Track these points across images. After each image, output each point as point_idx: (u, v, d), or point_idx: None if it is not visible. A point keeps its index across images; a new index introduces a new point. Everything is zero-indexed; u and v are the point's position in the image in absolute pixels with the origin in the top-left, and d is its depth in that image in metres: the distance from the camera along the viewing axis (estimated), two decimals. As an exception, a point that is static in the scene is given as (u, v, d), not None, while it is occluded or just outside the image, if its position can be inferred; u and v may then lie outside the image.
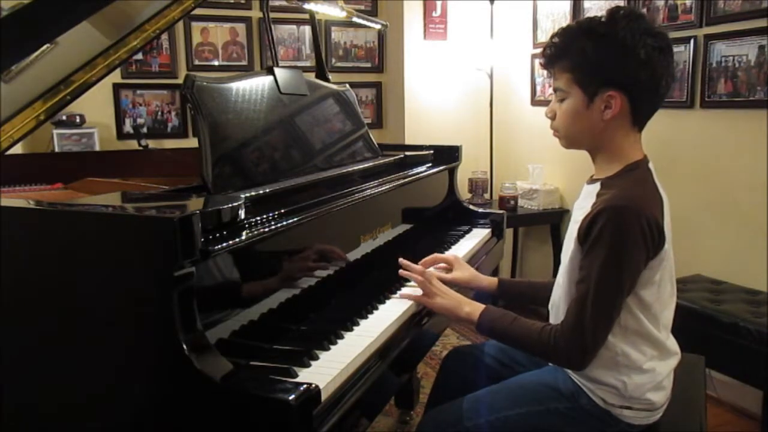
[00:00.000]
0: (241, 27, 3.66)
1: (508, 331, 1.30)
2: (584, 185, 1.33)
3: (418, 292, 1.43)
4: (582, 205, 1.28)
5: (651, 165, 1.28)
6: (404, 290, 1.47)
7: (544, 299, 1.43)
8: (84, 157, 2.77)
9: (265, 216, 1.19)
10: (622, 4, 2.88)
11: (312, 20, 2.21)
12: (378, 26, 2.66)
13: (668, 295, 1.27)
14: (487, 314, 1.33)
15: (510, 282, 1.66)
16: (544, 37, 3.42)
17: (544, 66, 1.31)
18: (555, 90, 1.30)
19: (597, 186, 1.27)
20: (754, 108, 2.37)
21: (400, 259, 1.49)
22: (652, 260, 1.19)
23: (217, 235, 1.05)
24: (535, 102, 3.58)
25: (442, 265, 1.64)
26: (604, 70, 1.21)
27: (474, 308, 1.35)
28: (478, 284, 1.60)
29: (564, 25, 1.31)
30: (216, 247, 1.02)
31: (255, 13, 3.69)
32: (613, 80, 1.21)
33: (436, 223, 2.15)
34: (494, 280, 1.61)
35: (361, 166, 1.78)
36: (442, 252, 1.84)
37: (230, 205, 1.08)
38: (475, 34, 3.74)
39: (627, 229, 1.15)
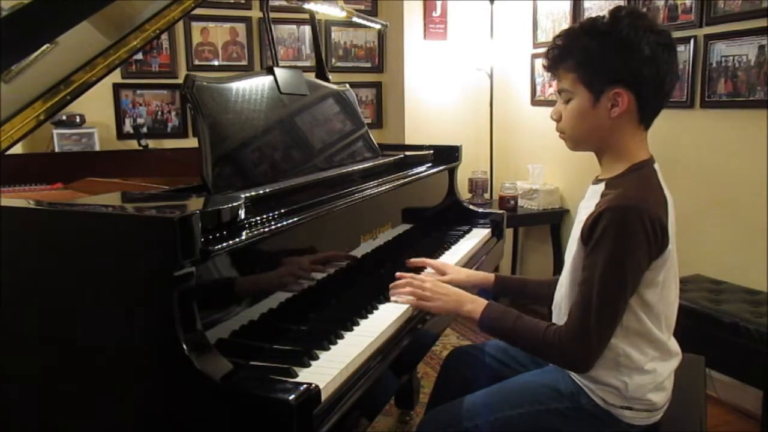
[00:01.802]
0: (241, 27, 3.66)
1: (511, 331, 1.29)
2: (590, 185, 1.33)
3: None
4: (587, 205, 1.27)
5: (656, 165, 1.28)
6: (402, 296, 1.42)
7: (540, 296, 1.43)
8: (84, 157, 2.77)
9: (265, 216, 1.19)
10: (622, 3, 2.88)
11: (312, 20, 2.21)
12: (378, 26, 2.66)
13: (673, 296, 1.27)
14: (489, 312, 1.32)
15: (506, 279, 1.65)
16: (544, 37, 3.42)
17: (548, 68, 1.30)
18: (559, 91, 1.29)
19: (602, 186, 1.26)
20: (754, 108, 2.37)
21: (397, 274, 1.47)
22: (655, 261, 1.19)
23: (217, 235, 1.05)
24: (535, 102, 3.58)
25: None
26: (610, 68, 1.21)
27: (476, 305, 1.34)
28: (473, 283, 1.59)
29: (564, 25, 1.31)
30: (216, 247, 1.02)
31: (255, 13, 3.69)
32: (619, 78, 1.20)
33: (436, 223, 2.15)
34: (490, 276, 1.60)
35: (361, 166, 1.78)
36: (441, 252, 1.85)
37: (230, 205, 1.08)
38: (475, 34, 3.74)
39: (630, 230, 1.15)
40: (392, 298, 1.41)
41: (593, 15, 1.28)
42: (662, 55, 1.19)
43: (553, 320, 1.35)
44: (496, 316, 1.31)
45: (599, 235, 1.17)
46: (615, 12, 1.22)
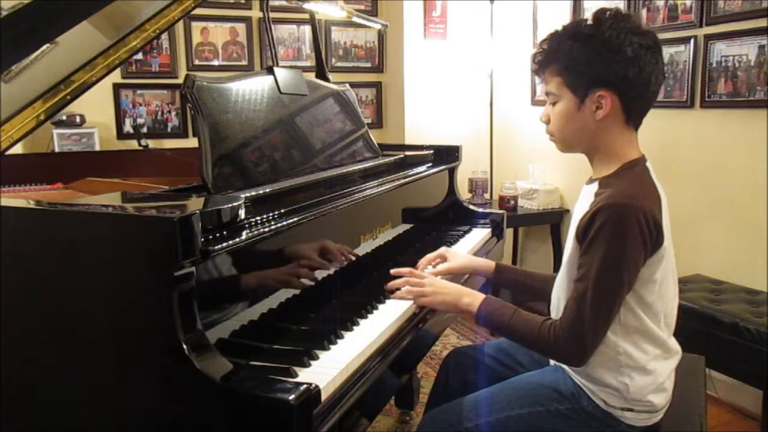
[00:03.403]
0: (241, 27, 3.66)
1: (507, 324, 1.30)
2: (583, 186, 1.33)
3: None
4: (581, 206, 1.28)
5: (649, 164, 1.28)
6: (400, 292, 1.44)
7: (539, 291, 1.43)
8: (84, 157, 2.77)
9: (265, 216, 1.19)
10: (621, 4, 2.88)
11: (312, 20, 2.21)
12: (378, 26, 2.66)
13: (671, 293, 1.27)
14: (486, 305, 1.34)
15: (507, 267, 1.65)
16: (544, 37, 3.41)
17: (535, 72, 1.32)
18: (547, 94, 1.31)
19: (595, 186, 1.27)
20: (754, 108, 2.37)
21: (391, 270, 1.48)
22: (650, 257, 1.19)
23: (217, 235, 1.05)
24: (535, 102, 3.58)
25: (438, 262, 1.63)
26: (592, 70, 1.21)
27: (474, 299, 1.36)
28: (474, 267, 1.59)
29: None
30: (216, 247, 1.02)
31: (255, 13, 3.69)
32: (602, 80, 1.21)
33: (436, 223, 2.15)
34: (491, 263, 1.60)
35: (361, 166, 1.78)
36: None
37: (230, 205, 1.08)
38: (475, 34, 3.74)
39: (625, 227, 1.15)
40: (395, 295, 1.43)
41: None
42: (645, 56, 1.20)
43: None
44: (494, 310, 1.32)
45: (594, 233, 1.17)
46: (598, 15, 1.23)
